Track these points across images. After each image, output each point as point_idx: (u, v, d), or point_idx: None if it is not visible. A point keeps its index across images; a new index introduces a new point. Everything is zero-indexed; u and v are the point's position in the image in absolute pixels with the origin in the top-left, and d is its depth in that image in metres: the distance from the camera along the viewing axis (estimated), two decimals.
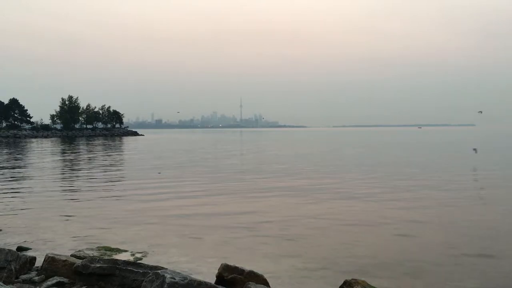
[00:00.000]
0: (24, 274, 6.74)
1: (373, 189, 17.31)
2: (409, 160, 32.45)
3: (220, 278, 6.29)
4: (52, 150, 52.73)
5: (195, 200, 15.04)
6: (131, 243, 9.43)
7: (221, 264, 6.48)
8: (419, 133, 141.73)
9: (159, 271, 5.60)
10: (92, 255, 7.81)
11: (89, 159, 36.01)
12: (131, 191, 17.39)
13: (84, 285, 6.23)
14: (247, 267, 6.60)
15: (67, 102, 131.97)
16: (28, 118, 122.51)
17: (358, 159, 33.99)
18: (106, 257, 7.57)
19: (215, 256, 8.47)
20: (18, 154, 43.20)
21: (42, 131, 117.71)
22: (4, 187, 18.75)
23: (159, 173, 23.92)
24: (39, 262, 7.18)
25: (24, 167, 28.98)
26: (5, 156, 39.51)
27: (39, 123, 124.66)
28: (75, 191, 17.52)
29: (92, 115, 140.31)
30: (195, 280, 5.47)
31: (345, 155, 40.84)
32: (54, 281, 6.41)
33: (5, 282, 6.17)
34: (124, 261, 6.41)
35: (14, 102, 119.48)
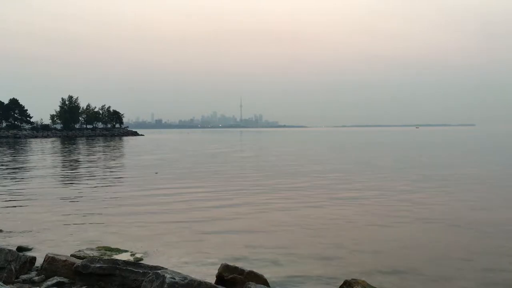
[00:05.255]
0: (24, 274, 6.74)
1: (373, 190, 17.32)
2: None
3: (220, 278, 6.30)
4: (52, 150, 52.72)
5: (195, 200, 15.03)
6: (131, 243, 9.43)
7: (221, 264, 6.48)
8: (415, 132, 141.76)
9: (159, 271, 5.60)
10: (92, 255, 7.81)
11: (89, 160, 36.00)
12: (130, 191, 17.38)
13: (84, 285, 6.23)
14: (247, 267, 6.61)
15: (67, 102, 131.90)
16: (28, 118, 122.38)
17: (358, 158, 34.03)
18: (106, 257, 7.57)
19: (215, 256, 8.47)
20: (18, 155, 43.19)
21: (42, 131, 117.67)
22: (4, 187, 18.75)
23: (156, 173, 23.94)
24: (39, 262, 7.18)
25: (24, 167, 28.98)
26: (5, 157, 39.50)
27: (39, 123, 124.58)
28: (75, 191, 17.50)
29: (92, 115, 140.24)
30: (195, 280, 5.47)
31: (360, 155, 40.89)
32: (54, 281, 6.41)
33: (5, 282, 6.17)
34: (124, 261, 6.41)
35: (14, 102, 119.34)
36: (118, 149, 54.89)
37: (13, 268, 6.47)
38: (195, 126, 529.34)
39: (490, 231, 10.61)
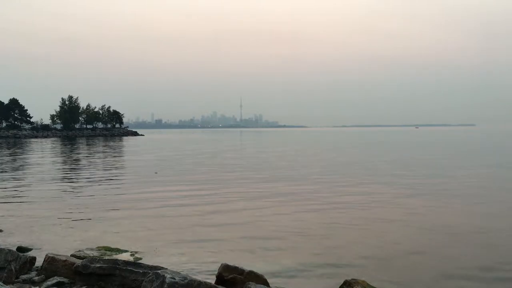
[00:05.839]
0: (24, 274, 6.74)
1: (374, 191, 17.32)
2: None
3: (220, 278, 6.29)
4: (52, 150, 52.71)
5: (195, 200, 15.03)
6: (131, 243, 9.43)
7: (221, 264, 6.47)
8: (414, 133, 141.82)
9: (159, 271, 5.60)
10: (92, 255, 7.82)
11: (89, 160, 36.00)
12: (130, 191, 17.38)
13: (84, 285, 6.23)
14: (247, 267, 6.61)
15: (67, 102, 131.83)
16: (28, 118, 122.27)
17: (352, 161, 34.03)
18: (106, 257, 7.58)
19: (215, 256, 8.47)
20: (18, 155, 43.19)
21: (42, 131, 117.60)
22: (4, 187, 18.75)
23: (156, 173, 23.94)
24: (39, 262, 7.18)
25: (24, 167, 28.98)
26: (6, 157, 39.50)
27: (39, 123, 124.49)
28: (75, 191, 17.51)
29: (92, 115, 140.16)
30: (195, 280, 5.47)
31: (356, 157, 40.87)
32: (54, 281, 6.41)
33: (5, 282, 6.17)
34: (124, 261, 6.41)
35: (14, 102, 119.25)
36: (118, 149, 54.88)
37: (13, 268, 6.47)
38: (195, 126, 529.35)
39: (490, 233, 10.61)
